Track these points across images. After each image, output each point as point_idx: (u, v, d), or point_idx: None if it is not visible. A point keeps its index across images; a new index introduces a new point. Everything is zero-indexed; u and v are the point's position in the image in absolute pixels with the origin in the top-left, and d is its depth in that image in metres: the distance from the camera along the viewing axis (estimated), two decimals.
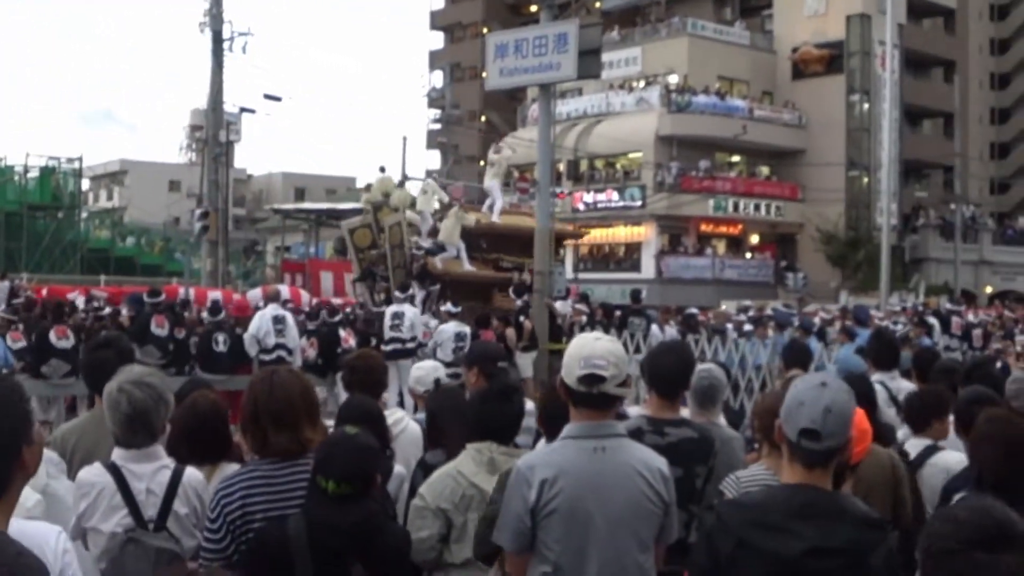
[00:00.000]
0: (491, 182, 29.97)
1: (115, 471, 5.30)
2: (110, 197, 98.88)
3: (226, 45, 37.78)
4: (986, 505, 2.97)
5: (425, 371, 8.63)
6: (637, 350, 17.60)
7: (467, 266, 27.22)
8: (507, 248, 28.90)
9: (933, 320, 26.45)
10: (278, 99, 45.92)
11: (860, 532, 3.91)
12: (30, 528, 4.27)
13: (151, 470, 5.34)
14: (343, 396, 8.12)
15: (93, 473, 5.34)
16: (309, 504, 4.77)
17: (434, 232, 28.19)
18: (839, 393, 4.02)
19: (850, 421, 4.05)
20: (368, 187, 31.18)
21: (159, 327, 19.38)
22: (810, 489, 3.98)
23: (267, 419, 5.12)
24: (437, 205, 30.43)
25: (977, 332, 26.97)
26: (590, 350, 4.92)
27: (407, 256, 26.59)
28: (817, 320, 25.08)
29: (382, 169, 30.49)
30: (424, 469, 6.48)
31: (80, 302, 23.85)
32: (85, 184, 74.12)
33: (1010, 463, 4.08)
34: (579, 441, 4.92)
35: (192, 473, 5.49)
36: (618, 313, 23.77)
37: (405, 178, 55.01)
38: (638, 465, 4.98)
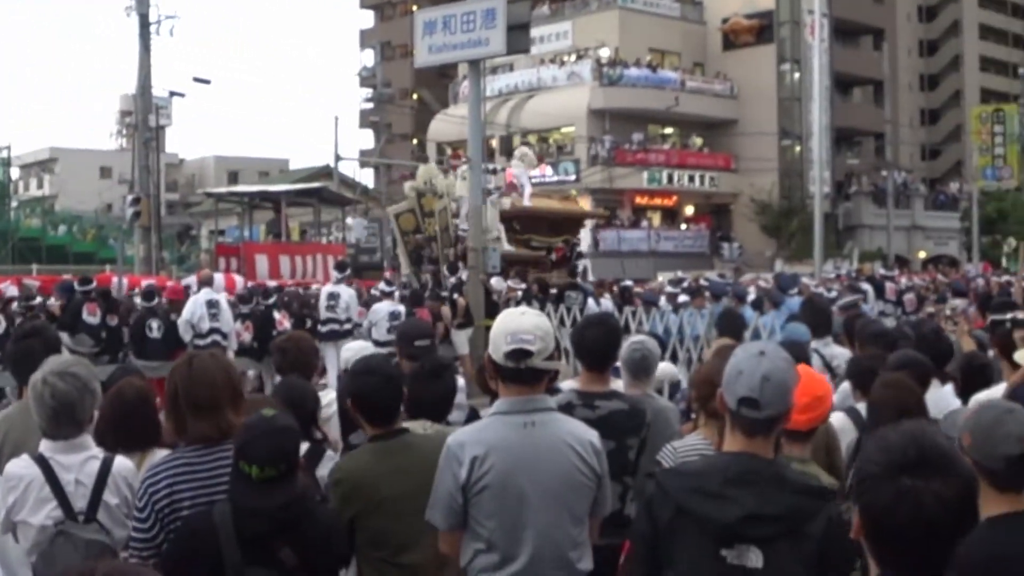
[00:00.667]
0: (518, 170, 32.41)
1: (43, 463, 5.23)
2: (40, 185, 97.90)
3: (153, 28, 37.45)
4: (916, 430, 2.96)
5: (354, 351, 8.58)
6: (575, 324, 17.59)
7: (507, 246, 28.05)
8: (537, 229, 31.05)
9: (867, 286, 26.64)
10: (207, 82, 45.38)
11: (799, 500, 3.92)
12: None
13: (79, 461, 5.28)
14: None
15: (20, 466, 5.27)
16: (233, 490, 4.71)
17: None
18: (777, 361, 4.04)
19: (790, 390, 4.06)
20: (413, 175, 32.94)
21: (91, 315, 19.18)
22: (750, 457, 3.99)
23: (187, 405, 5.07)
24: None
25: (910, 297, 27.18)
26: (516, 325, 4.91)
27: (452, 238, 27.50)
28: (752, 289, 25.15)
29: (425, 160, 34.41)
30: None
31: (12, 292, 23.56)
32: (14, 173, 73.42)
33: None
34: (509, 416, 4.91)
35: (122, 462, 5.42)
36: (554, 289, 23.80)
37: (338, 158, 54.85)
38: (569, 438, 4.97)
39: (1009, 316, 10.13)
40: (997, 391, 7.75)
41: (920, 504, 2.81)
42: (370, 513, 5.16)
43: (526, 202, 31.26)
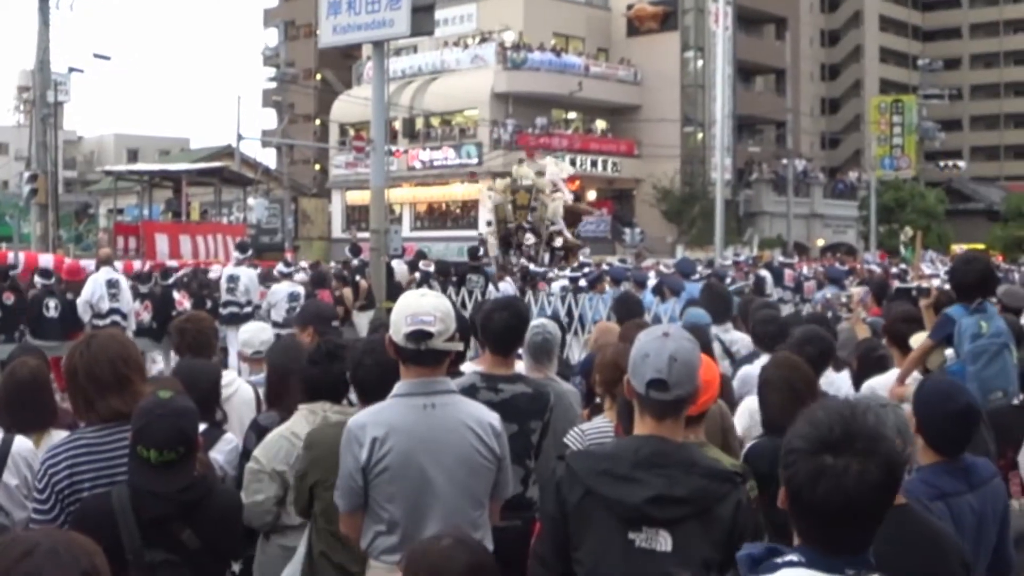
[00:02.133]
0: (553, 170, 37.42)
1: None
2: None
3: (53, 2, 36.89)
4: (845, 408, 2.99)
5: (252, 333, 8.55)
6: (476, 307, 17.58)
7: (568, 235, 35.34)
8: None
9: (765, 272, 26.92)
10: (107, 58, 45.20)
11: (707, 483, 3.94)
12: None
13: None
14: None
15: None
16: (132, 473, 4.65)
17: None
18: (682, 342, 4.05)
19: (696, 370, 4.08)
20: (508, 175, 38.95)
21: None
22: (659, 440, 4.01)
23: (89, 384, 5.00)
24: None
25: (809, 284, 27.51)
26: (416, 307, 4.90)
27: (545, 226, 34.40)
28: (652, 275, 25.31)
29: (520, 161, 41.35)
30: (257, 431, 6.38)
31: None
32: None
33: (795, 407, 4.15)
34: (409, 399, 4.91)
35: (22, 442, 5.36)
36: (454, 272, 23.82)
37: (240, 137, 54.39)
38: (469, 420, 4.98)
39: (914, 285, 10.30)
40: (890, 377, 7.88)
41: (840, 483, 2.84)
42: (330, 486, 5.12)
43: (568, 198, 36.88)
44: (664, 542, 3.89)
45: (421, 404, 4.89)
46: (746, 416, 7.16)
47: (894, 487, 2.95)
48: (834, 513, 2.87)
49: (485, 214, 39.30)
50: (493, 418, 5.09)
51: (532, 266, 30.08)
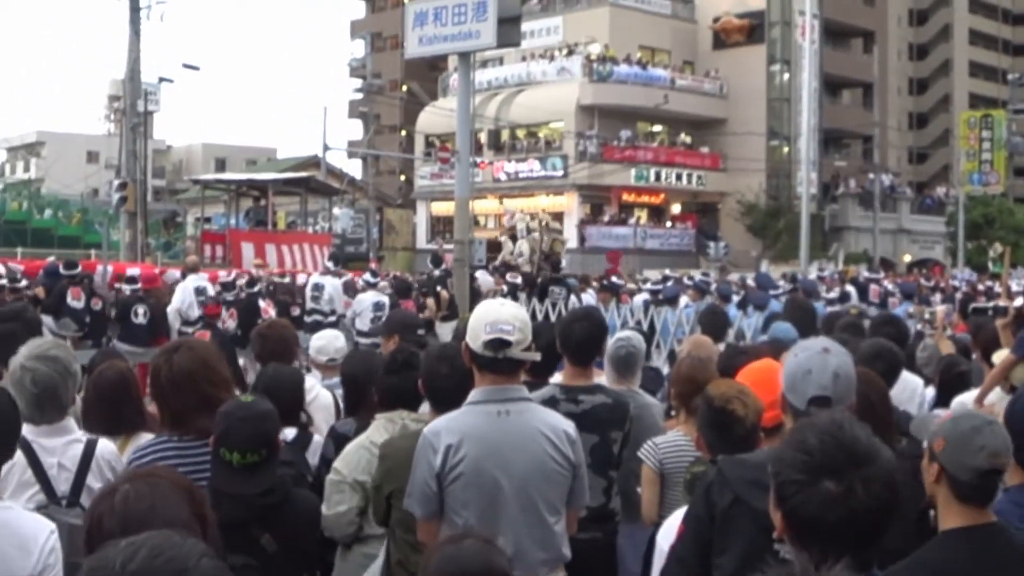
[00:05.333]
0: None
1: (25, 446, 5.17)
2: (27, 169, 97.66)
3: (143, 13, 37.26)
4: (832, 428, 2.94)
5: (326, 340, 8.59)
6: (559, 318, 17.55)
7: None
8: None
9: (850, 288, 26.70)
10: (196, 68, 45.30)
11: None
12: (26, 518, 4.20)
13: (62, 444, 5.18)
14: None
15: None
16: (214, 476, 4.70)
17: None
18: (842, 356, 4.03)
19: (855, 384, 4.06)
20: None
21: (75, 299, 19.11)
22: None
23: (176, 403, 5.07)
24: None
25: (894, 300, 27.21)
26: (496, 315, 4.93)
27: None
28: (736, 289, 25.16)
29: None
30: (335, 439, 6.41)
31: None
32: (1, 156, 73.15)
33: (870, 421, 4.10)
34: (483, 406, 4.93)
35: (105, 445, 5.35)
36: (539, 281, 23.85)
37: (326, 148, 54.75)
38: (543, 427, 4.98)
39: (991, 304, 10.19)
40: (974, 395, 7.81)
41: (849, 508, 2.81)
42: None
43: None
44: None
45: (495, 411, 4.91)
46: None
47: (898, 498, 2.91)
48: (844, 537, 2.84)
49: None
50: (568, 425, 5.09)
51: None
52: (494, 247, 39.95)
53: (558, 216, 63.11)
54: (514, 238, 37.59)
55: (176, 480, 3.07)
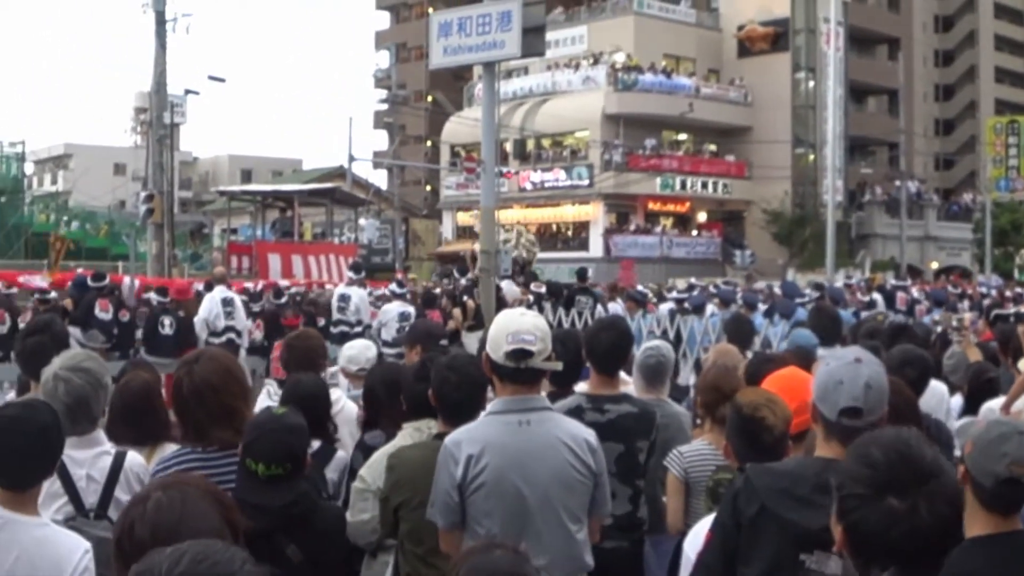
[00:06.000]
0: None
1: None
2: (54, 181, 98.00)
3: (169, 26, 37.37)
4: (900, 444, 2.93)
5: (357, 350, 8.59)
6: (585, 328, 17.52)
7: None
8: None
9: (877, 296, 26.61)
10: (222, 80, 45.36)
11: None
12: (61, 536, 4.22)
13: (91, 456, 5.18)
14: None
15: None
16: (239, 486, 4.70)
17: None
18: (874, 366, 4.02)
19: (887, 394, 4.04)
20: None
21: (103, 311, 19.19)
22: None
23: (198, 415, 5.09)
24: None
25: (921, 307, 27.09)
26: (517, 325, 4.93)
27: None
28: (762, 297, 25.10)
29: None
30: (363, 451, 6.41)
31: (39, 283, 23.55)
32: (29, 168, 73.38)
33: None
34: (504, 416, 4.94)
35: (134, 458, 5.34)
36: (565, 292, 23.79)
37: (351, 158, 54.87)
38: (564, 436, 4.99)
39: (1012, 311, 10.15)
40: (1002, 401, 7.79)
41: (914, 526, 2.80)
42: (415, 507, 5.16)
43: None
44: (835, 566, 3.86)
45: (516, 421, 4.92)
46: None
47: (962, 515, 2.90)
48: (908, 555, 2.83)
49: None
50: (589, 434, 5.10)
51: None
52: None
53: (583, 225, 63.24)
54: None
55: (207, 488, 3.11)
